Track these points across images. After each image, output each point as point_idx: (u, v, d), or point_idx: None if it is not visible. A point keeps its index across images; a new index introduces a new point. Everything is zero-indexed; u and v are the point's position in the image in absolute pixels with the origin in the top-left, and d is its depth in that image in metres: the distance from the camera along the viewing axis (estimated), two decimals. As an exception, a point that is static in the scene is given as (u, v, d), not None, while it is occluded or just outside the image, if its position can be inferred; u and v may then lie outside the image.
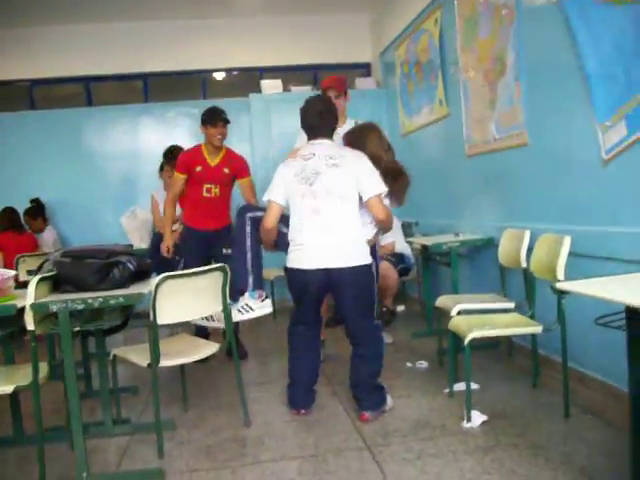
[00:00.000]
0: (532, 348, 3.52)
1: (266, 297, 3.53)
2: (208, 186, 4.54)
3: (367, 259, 3.19)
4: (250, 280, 3.45)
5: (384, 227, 3.39)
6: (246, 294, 3.43)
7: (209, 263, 4.09)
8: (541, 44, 3.62)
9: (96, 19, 6.75)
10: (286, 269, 3.30)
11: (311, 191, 3.16)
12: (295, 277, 3.24)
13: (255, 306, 3.47)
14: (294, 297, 3.35)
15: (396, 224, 5.29)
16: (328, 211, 3.15)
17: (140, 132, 6.71)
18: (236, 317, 3.41)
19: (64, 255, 2.89)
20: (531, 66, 3.73)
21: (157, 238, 5.21)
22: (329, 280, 3.15)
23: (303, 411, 3.35)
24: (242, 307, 3.44)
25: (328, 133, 3.34)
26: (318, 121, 3.32)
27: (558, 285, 2.07)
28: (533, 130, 3.75)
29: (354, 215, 3.20)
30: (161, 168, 5.68)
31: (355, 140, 3.54)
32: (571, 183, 3.40)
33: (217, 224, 4.56)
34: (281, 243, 3.44)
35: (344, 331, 3.35)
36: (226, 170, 4.56)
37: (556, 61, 3.44)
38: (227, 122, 4.52)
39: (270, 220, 3.26)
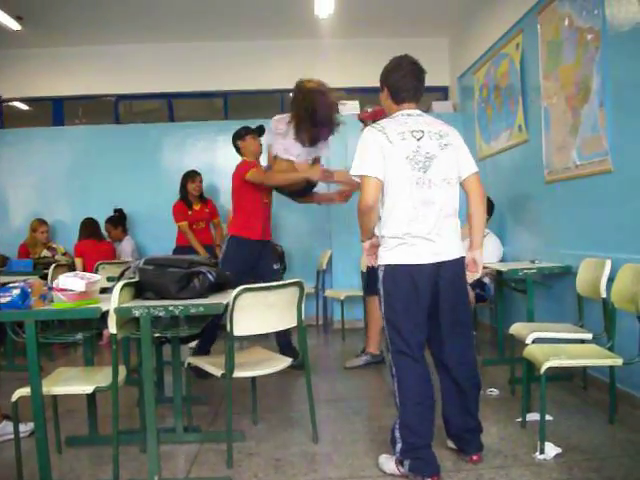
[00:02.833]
0: (610, 382, 3.39)
1: None
2: (266, 193, 4.71)
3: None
4: None
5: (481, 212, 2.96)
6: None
7: (253, 277, 4.21)
8: (627, 69, 3.55)
9: (179, 39, 7.01)
10: (390, 268, 2.75)
11: (426, 179, 2.72)
12: (408, 274, 2.71)
13: None
14: (400, 305, 2.74)
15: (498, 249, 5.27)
16: (444, 201, 2.75)
17: (219, 149, 6.88)
18: None
19: (147, 263, 2.98)
20: (616, 91, 3.66)
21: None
22: (442, 272, 2.73)
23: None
24: None
25: (420, 99, 2.93)
26: (417, 83, 2.88)
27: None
28: (617, 157, 3.67)
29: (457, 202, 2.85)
30: None
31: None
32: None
33: (268, 235, 4.72)
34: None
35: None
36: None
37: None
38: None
39: (371, 198, 2.71)
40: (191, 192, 6.08)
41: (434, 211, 2.72)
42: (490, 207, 5.30)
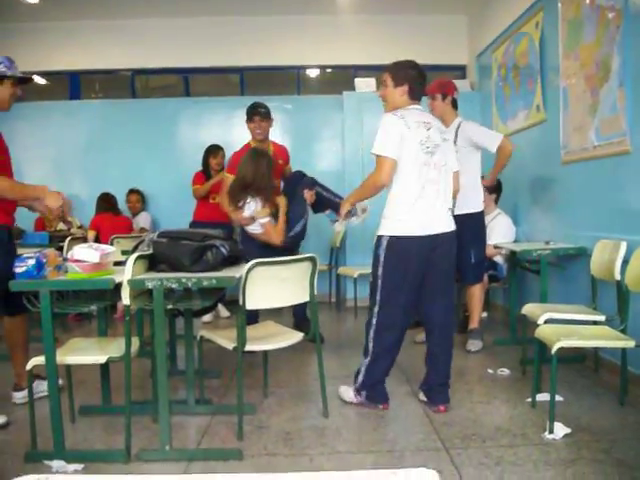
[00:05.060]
0: (621, 364, 3.38)
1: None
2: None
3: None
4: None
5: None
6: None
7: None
8: (649, 49, 3.50)
9: (195, 13, 6.98)
10: (394, 239, 3.20)
11: (433, 162, 3.19)
12: (410, 244, 3.18)
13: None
14: (398, 271, 3.21)
15: (509, 229, 5.27)
16: (442, 182, 3.23)
17: (235, 124, 6.84)
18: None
19: (161, 235, 3.00)
20: (637, 71, 3.60)
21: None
22: (438, 244, 3.22)
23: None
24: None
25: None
26: (425, 86, 3.44)
27: (660, 296, 2.00)
28: (637, 138, 3.62)
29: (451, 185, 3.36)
30: None
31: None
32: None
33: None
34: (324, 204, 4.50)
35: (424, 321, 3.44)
36: (280, 161, 4.79)
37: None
38: (264, 116, 4.69)
39: (388, 177, 3.17)
40: (213, 167, 6.05)
41: (435, 190, 3.20)
42: (497, 186, 5.28)
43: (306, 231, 4.60)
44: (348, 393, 3.42)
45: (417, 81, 3.28)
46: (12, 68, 3.35)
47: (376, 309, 3.28)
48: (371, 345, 3.31)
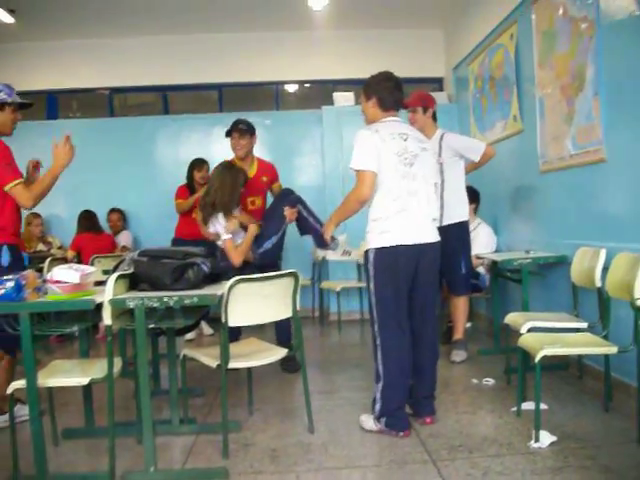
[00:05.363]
0: (605, 370, 3.40)
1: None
2: (252, 199, 4.59)
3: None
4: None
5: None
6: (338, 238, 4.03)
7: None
8: (622, 58, 3.55)
9: (173, 31, 6.99)
10: (380, 250, 3.15)
11: (411, 173, 3.16)
12: (396, 255, 3.13)
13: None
14: (389, 283, 3.15)
15: (491, 239, 5.32)
16: (424, 193, 3.20)
17: (214, 141, 6.84)
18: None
19: (141, 254, 2.98)
20: (611, 81, 3.66)
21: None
22: (423, 255, 3.19)
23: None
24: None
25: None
26: (401, 95, 3.35)
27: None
28: (612, 146, 3.67)
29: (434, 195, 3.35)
30: None
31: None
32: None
33: None
34: (305, 226, 4.30)
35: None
36: (264, 179, 4.65)
37: (637, 75, 3.37)
38: (243, 132, 4.55)
39: (369, 190, 3.15)
40: (197, 180, 5.90)
41: (417, 201, 3.18)
42: (475, 196, 5.32)
43: (281, 249, 4.47)
44: (368, 422, 3.24)
45: (387, 91, 3.27)
46: (12, 95, 3.52)
47: (376, 327, 3.20)
48: (381, 368, 3.18)
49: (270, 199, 4.74)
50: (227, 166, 4.39)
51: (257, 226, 4.31)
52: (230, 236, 4.17)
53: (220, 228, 4.18)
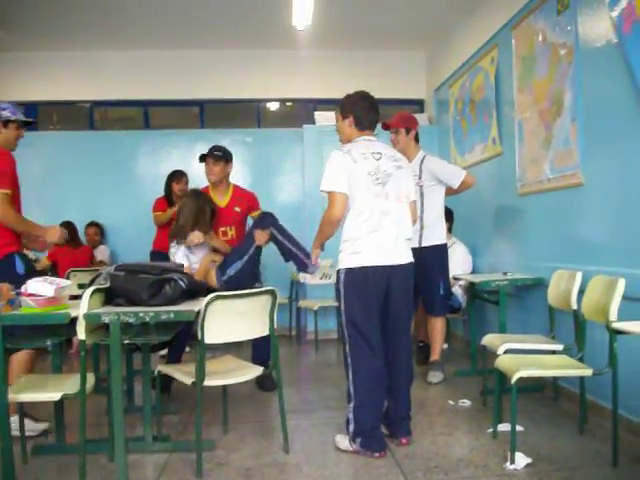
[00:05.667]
0: (580, 393, 3.41)
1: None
2: (223, 229, 4.49)
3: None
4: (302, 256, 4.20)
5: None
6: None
7: None
8: (599, 84, 3.62)
9: (156, 46, 6.96)
10: (350, 271, 3.16)
11: (384, 193, 3.17)
12: (367, 275, 3.12)
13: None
14: (359, 303, 3.14)
15: (466, 258, 5.35)
16: (396, 212, 3.21)
17: (195, 157, 6.77)
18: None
19: (118, 269, 2.95)
20: (588, 106, 3.72)
21: None
22: (394, 276, 3.18)
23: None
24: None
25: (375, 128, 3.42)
26: (377, 115, 3.35)
27: (614, 324, 2.03)
28: (589, 171, 3.72)
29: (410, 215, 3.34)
30: None
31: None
32: (626, 225, 3.35)
33: None
34: (283, 251, 4.26)
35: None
36: (237, 209, 4.52)
37: (614, 101, 3.44)
38: (217, 159, 4.45)
39: (340, 212, 3.17)
40: (176, 192, 5.83)
41: (391, 221, 3.18)
42: (450, 215, 5.35)
43: (251, 273, 4.35)
44: (344, 442, 3.20)
45: (364, 111, 3.30)
46: (17, 113, 3.75)
47: (347, 347, 3.18)
48: (352, 388, 3.15)
49: None
50: (190, 193, 4.41)
51: (215, 257, 4.28)
52: (186, 265, 4.11)
53: (177, 259, 4.21)
